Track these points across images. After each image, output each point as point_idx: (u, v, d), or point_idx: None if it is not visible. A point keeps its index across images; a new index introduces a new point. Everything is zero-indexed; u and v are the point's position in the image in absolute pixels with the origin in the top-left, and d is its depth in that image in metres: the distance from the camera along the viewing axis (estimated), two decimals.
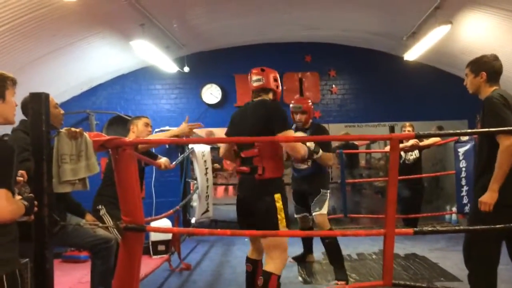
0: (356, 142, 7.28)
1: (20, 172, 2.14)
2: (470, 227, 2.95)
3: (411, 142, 5.43)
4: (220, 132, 7.47)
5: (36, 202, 2.05)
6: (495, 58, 2.86)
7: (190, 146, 5.68)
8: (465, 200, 6.11)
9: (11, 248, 1.85)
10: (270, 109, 2.92)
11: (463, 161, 6.11)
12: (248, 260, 3.20)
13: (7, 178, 1.81)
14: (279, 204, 2.88)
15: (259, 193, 2.91)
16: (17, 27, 4.24)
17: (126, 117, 6.72)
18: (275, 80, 3.12)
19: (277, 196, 2.89)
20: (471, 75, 2.89)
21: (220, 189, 8.12)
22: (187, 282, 4.49)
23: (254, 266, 3.16)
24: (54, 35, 4.90)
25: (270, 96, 3.09)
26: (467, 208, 6.08)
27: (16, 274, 1.84)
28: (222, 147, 3.30)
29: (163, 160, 3.91)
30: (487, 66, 2.84)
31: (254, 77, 3.08)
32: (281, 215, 2.88)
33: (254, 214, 2.91)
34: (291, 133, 2.94)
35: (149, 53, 5.97)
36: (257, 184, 2.91)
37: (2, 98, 2.01)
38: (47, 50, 5.17)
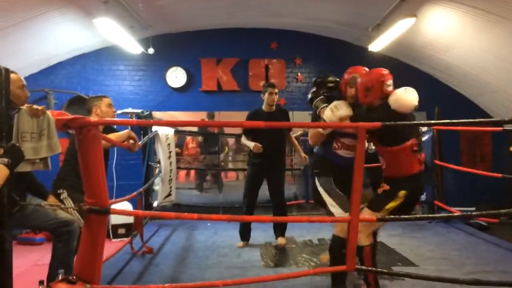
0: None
1: None
2: (424, 215, 3.08)
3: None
4: (183, 116, 7.37)
5: None
6: None
7: (154, 128, 5.56)
8: None
9: None
10: None
11: None
12: None
13: None
14: None
15: None
16: None
17: (87, 97, 6.50)
18: None
19: None
20: None
21: (182, 173, 8.05)
22: (150, 265, 4.45)
23: None
24: (8, 11, 4.63)
25: None
26: (422, 197, 6.33)
27: None
28: None
29: (130, 140, 3.33)
30: None
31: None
32: None
33: None
34: None
35: (113, 33, 5.78)
36: None
37: None
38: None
